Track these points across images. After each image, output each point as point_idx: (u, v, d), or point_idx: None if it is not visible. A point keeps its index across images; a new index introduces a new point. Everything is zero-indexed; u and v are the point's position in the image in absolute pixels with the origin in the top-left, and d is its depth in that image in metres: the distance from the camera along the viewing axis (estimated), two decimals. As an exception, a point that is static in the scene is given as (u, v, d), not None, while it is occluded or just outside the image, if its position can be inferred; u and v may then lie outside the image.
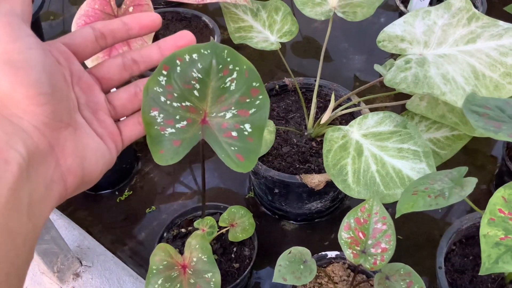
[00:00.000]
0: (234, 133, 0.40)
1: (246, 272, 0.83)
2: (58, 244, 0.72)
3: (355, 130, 0.77)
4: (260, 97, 0.41)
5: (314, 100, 0.96)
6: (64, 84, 0.34)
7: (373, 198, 0.67)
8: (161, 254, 0.66)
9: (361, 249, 0.67)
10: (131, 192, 1.11)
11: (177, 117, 0.40)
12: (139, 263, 0.98)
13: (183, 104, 0.40)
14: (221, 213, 0.89)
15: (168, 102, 0.40)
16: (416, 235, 1.01)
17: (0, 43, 0.30)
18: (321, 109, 1.02)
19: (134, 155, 1.16)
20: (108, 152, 0.37)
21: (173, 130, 0.40)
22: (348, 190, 0.74)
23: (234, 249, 0.89)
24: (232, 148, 0.40)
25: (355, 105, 0.98)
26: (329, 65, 1.41)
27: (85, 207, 1.08)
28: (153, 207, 1.07)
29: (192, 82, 0.39)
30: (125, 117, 0.41)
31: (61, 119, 0.32)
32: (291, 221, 1.04)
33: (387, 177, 0.72)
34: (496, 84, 0.77)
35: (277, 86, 1.04)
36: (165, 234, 0.90)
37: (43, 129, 0.31)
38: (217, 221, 0.87)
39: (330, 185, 0.90)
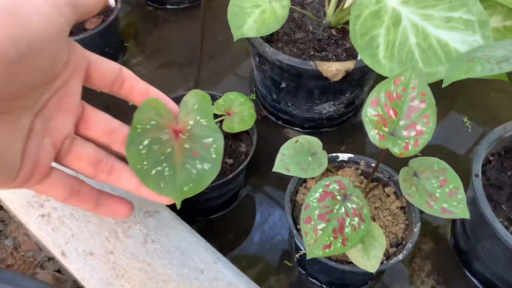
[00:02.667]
0: None
1: (240, 167, 0.69)
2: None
3: (392, -4, 0.61)
4: None
5: (338, -18, 0.80)
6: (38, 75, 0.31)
7: (411, 69, 0.52)
8: (150, 111, 0.49)
9: (390, 130, 0.52)
10: (115, 84, 0.96)
11: None
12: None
13: None
14: (216, 102, 0.74)
15: None
16: (441, 156, 0.87)
17: None
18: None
19: (119, 43, 1.00)
20: (11, 169, 0.31)
21: None
22: (378, 67, 0.59)
23: (229, 143, 0.75)
24: None
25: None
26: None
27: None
28: (137, 99, 0.93)
29: None
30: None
31: None
32: (296, 128, 0.90)
33: (430, 52, 0.57)
34: None
35: (294, -34, 0.88)
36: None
37: None
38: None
39: (348, 80, 0.75)
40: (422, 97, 0.52)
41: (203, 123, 0.48)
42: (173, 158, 0.45)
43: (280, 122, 0.90)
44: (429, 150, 0.87)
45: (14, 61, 0.26)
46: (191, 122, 0.48)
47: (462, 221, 0.72)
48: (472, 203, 0.65)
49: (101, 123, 0.41)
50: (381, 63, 0.58)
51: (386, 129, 0.53)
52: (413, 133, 0.52)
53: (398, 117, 0.52)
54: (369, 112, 0.53)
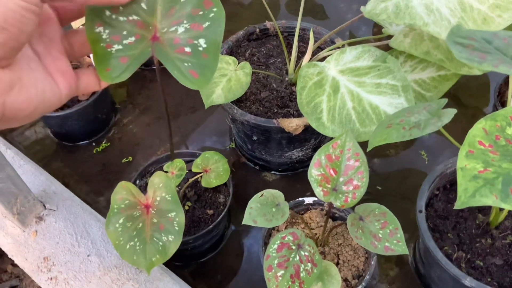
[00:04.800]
0: (187, 49, 0.38)
1: (219, 218, 0.79)
2: (16, 183, 0.68)
3: (332, 66, 0.72)
4: (214, 9, 0.37)
5: (295, 43, 0.91)
6: (21, 35, 0.31)
7: (346, 133, 0.63)
8: (122, 193, 0.63)
9: (332, 186, 0.63)
10: (109, 143, 1.07)
11: (124, 32, 0.37)
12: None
13: (130, 18, 0.37)
14: (196, 160, 0.85)
15: (114, 16, 0.38)
16: (403, 188, 0.97)
17: None
18: (304, 54, 0.96)
19: (111, 106, 1.12)
20: (55, 90, 0.35)
21: (120, 47, 0.38)
22: (322, 129, 0.69)
23: (209, 196, 0.85)
24: (186, 64, 0.38)
25: (339, 48, 0.92)
26: (323, 23, 1.35)
27: (61, 158, 1.05)
28: (129, 157, 1.04)
29: None
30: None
31: None
32: (273, 172, 1.00)
33: (363, 114, 0.68)
34: (484, 17, 0.71)
35: (257, 30, 0.99)
36: (137, 182, 0.86)
37: None
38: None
39: (310, 131, 0.86)
40: (356, 157, 0.62)
41: (168, 198, 0.59)
42: (143, 232, 0.57)
43: (257, 167, 1.01)
44: (394, 182, 0.97)
45: None
46: (158, 198, 0.60)
47: (419, 248, 0.81)
48: (422, 235, 0.75)
49: None
50: (325, 126, 0.69)
51: (329, 186, 0.63)
52: (351, 188, 0.62)
53: (337, 175, 0.63)
54: (313, 173, 0.63)
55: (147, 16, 0.37)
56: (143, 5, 0.37)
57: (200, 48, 0.37)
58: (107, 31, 0.37)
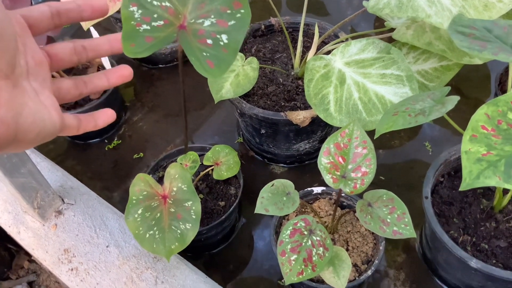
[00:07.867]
0: (209, 41, 0.40)
1: (231, 208, 0.82)
2: (36, 178, 0.71)
3: (337, 59, 0.74)
4: (242, 11, 0.40)
5: (300, 38, 0.94)
6: (13, 42, 0.33)
7: (353, 122, 0.65)
8: (140, 185, 0.65)
9: (341, 174, 0.65)
10: (120, 141, 1.10)
11: (155, 15, 0.40)
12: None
13: (163, 4, 0.40)
14: (206, 154, 0.87)
15: (149, 0, 0.39)
16: (407, 178, 0.99)
17: None
18: (308, 49, 0.99)
19: (121, 104, 1.14)
20: (51, 120, 0.38)
21: (148, 27, 0.40)
22: (330, 119, 0.72)
23: (220, 188, 0.88)
24: (204, 53, 0.40)
25: (343, 42, 0.94)
26: (325, 19, 1.38)
27: (73, 156, 1.08)
28: (141, 153, 1.06)
29: None
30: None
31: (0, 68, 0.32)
32: (281, 164, 1.03)
33: (370, 104, 0.70)
34: (485, 3, 0.74)
35: (263, 27, 1.01)
36: (150, 176, 0.89)
37: None
38: (202, 162, 0.86)
39: (317, 123, 0.88)
40: (364, 145, 0.65)
41: (184, 188, 0.62)
42: (162, 221, 0.59)
43: (265, 160, 1.03)
44: (399, 172, 0.99)
45: None
46: (175, 189, 0.62)
47: (425, 234, 0.83)
48: (428, 220, 0.77)
49: (65, 49, 0.44)
50: (333, 116, 0.71)
51: (338, 173, 0.65)
52: (359, 174, 0.64)
53: (346, 162, 0.65)
54: (323, 161, 0.66)
55: (179, 6, 0.40)
56: None
57: (221, 43, 0.39)
58: (140, 11, 0.39)
